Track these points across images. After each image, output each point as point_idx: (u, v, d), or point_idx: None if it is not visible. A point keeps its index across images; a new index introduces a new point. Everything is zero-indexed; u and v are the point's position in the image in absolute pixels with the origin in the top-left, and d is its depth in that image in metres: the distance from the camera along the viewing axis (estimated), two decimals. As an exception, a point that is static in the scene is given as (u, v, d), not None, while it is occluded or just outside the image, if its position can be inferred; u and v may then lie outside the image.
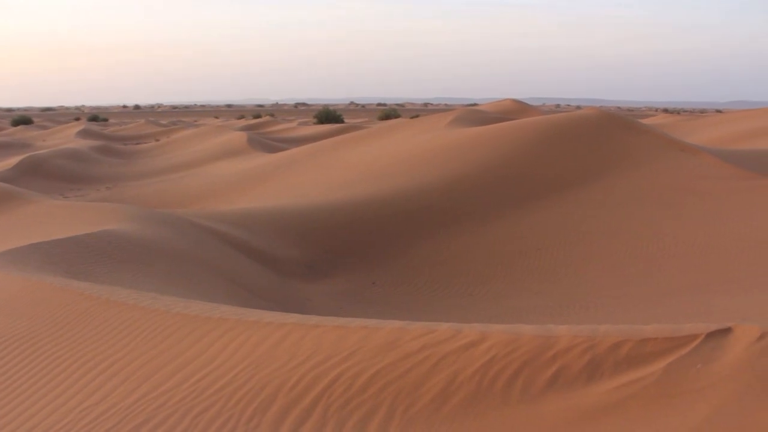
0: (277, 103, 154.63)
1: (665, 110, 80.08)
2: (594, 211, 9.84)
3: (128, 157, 25.93)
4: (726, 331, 2.43)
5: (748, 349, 2.30)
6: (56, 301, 4.14)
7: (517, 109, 26.60)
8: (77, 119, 57.45)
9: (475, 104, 47.79)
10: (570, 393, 2.43)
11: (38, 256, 5.53)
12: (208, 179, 17.58)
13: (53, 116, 70.01)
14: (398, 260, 9.09)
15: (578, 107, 72.97)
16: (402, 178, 11.91)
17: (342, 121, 38.07)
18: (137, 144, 31.97)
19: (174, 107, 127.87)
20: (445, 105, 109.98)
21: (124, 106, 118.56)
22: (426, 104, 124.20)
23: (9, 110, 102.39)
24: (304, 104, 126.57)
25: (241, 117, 56.34)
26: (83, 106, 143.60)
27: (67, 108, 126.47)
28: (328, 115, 38.91)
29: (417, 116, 30.58)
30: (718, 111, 55.31)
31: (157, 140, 33.32)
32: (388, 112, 43.12)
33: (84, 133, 33.46)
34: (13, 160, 20.25)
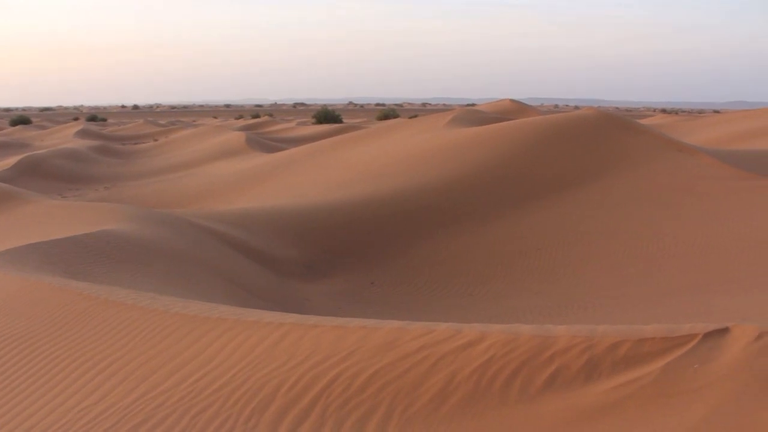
0: (275, 103, 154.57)
1: (663, 110, 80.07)
2: (592, 212, 9.85)
3: (127, 157, 25.92)
4: (724, 331, 2.43)
5: (746, 349, 2.30)
6: (55, 301, 4.14)
7: (516, 109, 26.64)
8: (76, 119, 57.38)
9: (473, 104, 47.79)
10: (568, 393, 2.43)
11: (37, 256, 5.53)
12: (206, 179, 17.57)
13: (52, 116, 69.97)
14: (397, 260, 9.09)
15: (576, 107, 72.97)
16: (401, 178, 11.91)
17: (341, 121, 38.06)
18: (136, 144, 31.96)
19: (173, 107, 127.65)
20: (444, 105, 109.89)
21: (123, 106, 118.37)
22: (424, 104, 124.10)
23: (7, 110, 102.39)
24: (302, 104, 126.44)
25: (240, 117, 56.32)
26: (82, 106, 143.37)
27: (66, 108, 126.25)
28: (326, 115, 38.89)
29: (415, 116, 30.57)
30: (716, 111, 55.34)
31: (156, 140, 33.30)
32: (387, 112, 43.06)
33: (82, 133, 33.45)
34: (11, 160, 20.25)
